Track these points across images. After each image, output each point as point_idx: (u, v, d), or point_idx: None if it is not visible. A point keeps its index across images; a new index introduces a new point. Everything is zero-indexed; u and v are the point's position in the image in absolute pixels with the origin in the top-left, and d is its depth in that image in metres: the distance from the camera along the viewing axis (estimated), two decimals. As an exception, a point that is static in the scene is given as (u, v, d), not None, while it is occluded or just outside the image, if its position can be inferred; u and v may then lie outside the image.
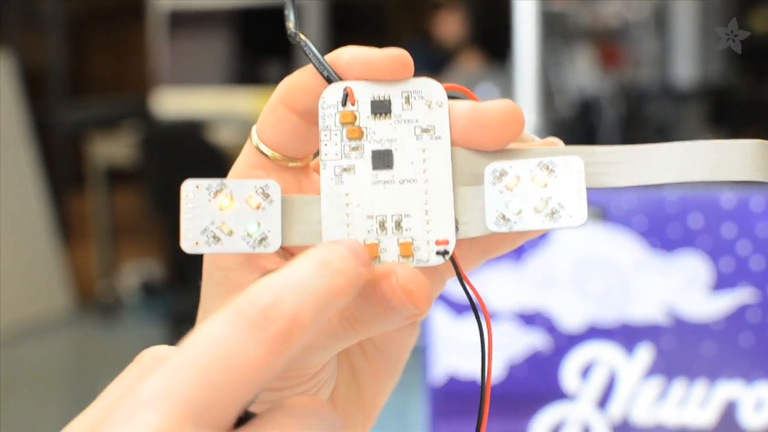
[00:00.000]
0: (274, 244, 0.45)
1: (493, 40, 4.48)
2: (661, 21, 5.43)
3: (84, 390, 4.11)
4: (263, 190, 0.45)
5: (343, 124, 0.45)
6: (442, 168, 0.45)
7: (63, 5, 5.86)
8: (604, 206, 1.19)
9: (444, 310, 1.23)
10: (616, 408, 1.21)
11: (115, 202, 5.23)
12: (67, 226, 5.57)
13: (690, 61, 5.42)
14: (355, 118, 0.45)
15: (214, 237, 0.45)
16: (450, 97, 0.46)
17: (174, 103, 5.13)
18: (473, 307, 0.45)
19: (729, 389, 1.18)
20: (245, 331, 0.36)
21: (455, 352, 1.24)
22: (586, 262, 1.20)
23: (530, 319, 1.21)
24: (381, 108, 0.45)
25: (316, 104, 0.45)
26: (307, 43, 0.46)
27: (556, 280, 1.21)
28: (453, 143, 0.45)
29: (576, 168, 0.43)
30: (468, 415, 1.23)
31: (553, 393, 1.22)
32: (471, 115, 0.45)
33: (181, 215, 0.45)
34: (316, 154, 0.46)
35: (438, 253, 0.44)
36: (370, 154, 0.45)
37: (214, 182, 0.45)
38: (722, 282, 1.18)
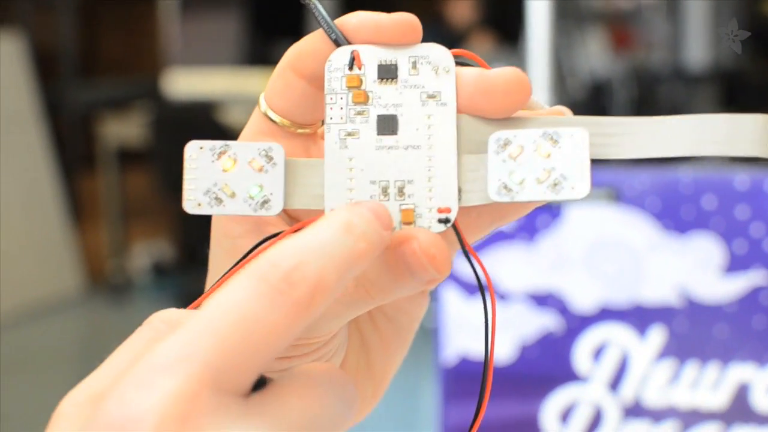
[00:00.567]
0: (276, 207, 0.45)
1: (504, 22, 4.47)
2: (672, 4, 5.41)
3: (94, 370, 4.11)
4: (267, 153, 0.45)
5: (349, 87, 0.45)
6: (446, 135, 0.45)
7: (74, -15, 5.87)
8: (618, 187, 1.19)
9: (455, 291, 1.23)
10: (628, 390, 1.20)
11: (126, 182, 5.23)
12: (78, 207, 5.58)
13: (702, 43, 5.40)
14: (361, 82, 0.45)
15: (217, 198, 0.45)
16: (459, 63, 0.45)
17: (185, 83, 5.13)
18: (476, 274, 0.45)
19: (741, 371, 1.18)
20: (267, 297, 0.36)
21: (467, 332, 1.24)
22: (599, 243, 1.20)
23: (542, 300, 1.21)
24: (387, 72, 0.45)
25: (324, 69, 0.45)
26: (317, 5, 0.45)
27: (569, 261, 1.21)
28: (459, 110, 0.45)
29: (580, 139, 0.43)
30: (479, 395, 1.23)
31: (565, 375, 1.22)
32: (478, 82, 0.44)
33: (183, 176, 0.45)
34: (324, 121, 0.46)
35: (440, 220, 0.44)
36: (375, 118, 0.45)
37: (217, 144, 0.45)
38: (735, 264, 1.17)
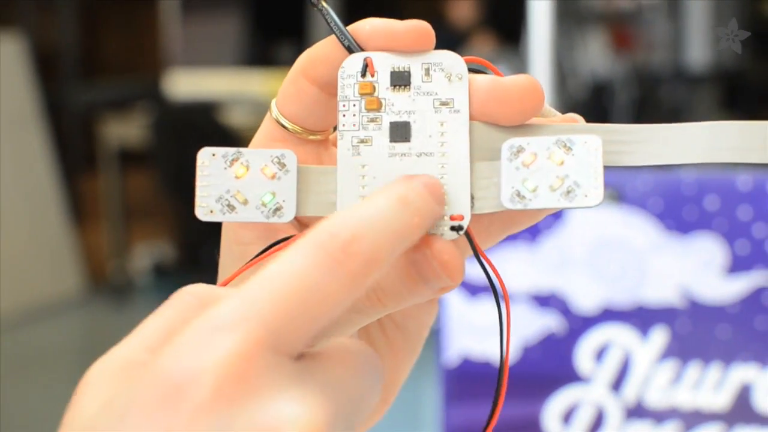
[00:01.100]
0: (289, 214, 0.45)
1: (506, 23, 4.47)
2: (673, 4, 5.41)
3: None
4: (279, 160, 0.45)
5: (362, 94, 0.45)
6: (459, 142, 0.45)
7: (75, -14, 5.87)
8: (620, 188, 1.19)
9: (457, 292, 1.23)
10: (631, 391, 1.20)
11: (127, 183, 5.23)
12: (79, 208, 5.58)
13: (702, 44, 5.40)
14: (374, 89, 0.45)
15: (229, 205, 0.45)
16: (471, 70, 0.45)
17: (186, 84, 5.13)
18: (490, 282, 0.45)
19: (744, 372, 1.18)
20: (325, 265, 0.36)
21: (469, 333, 1.24)
22: (602, 243, 1.20)
23: (545, 300, 1.21)
24: (400, 79, 0.45)
25: (336, 75, 0.45)
26: (329, 11, 0.45)
27: (571, 262, 1.21)
28: (472, 117, 0.45)
29: (594, 147, 0.43)
30: (481, 396, 1.23)
31: (568, 375, 1.22)
32: (491, 89, 0.44)
33: (196, 182, 0.45)
34: (336, 127, 0.46)
35: (452, 228, 0.44)
36: (388, 125, 0.45)
37: (230, 150, 0.45)
38: (738, 264, 1.17)
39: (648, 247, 1.19)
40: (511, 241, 1.21)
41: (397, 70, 0.45)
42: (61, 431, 0.36)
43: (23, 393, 3.83)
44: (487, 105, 0.44)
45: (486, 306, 1.22)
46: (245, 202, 0.45)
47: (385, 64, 0.45)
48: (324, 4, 0.46)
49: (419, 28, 0.45)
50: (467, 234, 0.44)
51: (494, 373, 1.22)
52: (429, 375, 1.30)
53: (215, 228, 0.48)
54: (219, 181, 0.45)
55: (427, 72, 0.45)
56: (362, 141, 0.45)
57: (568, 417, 1.22)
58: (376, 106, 0.45)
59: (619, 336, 1.20)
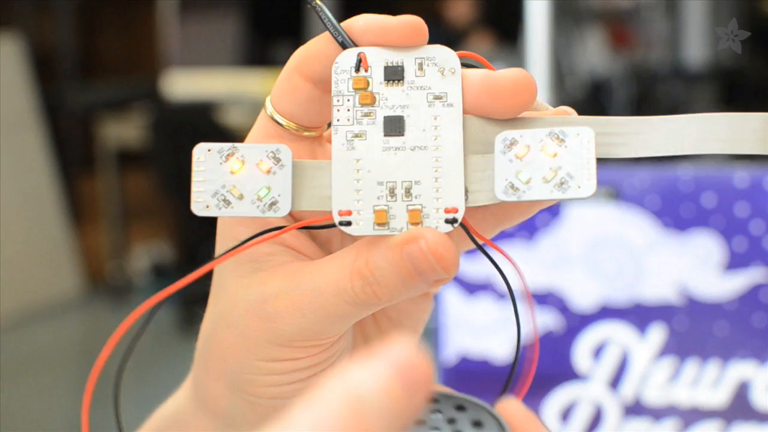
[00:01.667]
0: (284, 208, 0.45)
1: (503, 22, 4.47)
2: (671, 2, 5.41)
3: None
4: (274, 155, 0.45)
5: (355, 89, 0.45)
6: (453, 135, 0.45)
7: (73, -13, 5.87)
8: (617, 185, 1.19)
9: (455, 290, 1.23)
10: (629, 388, 1.20)
11: (126, 184, 5.24)
12: (78, 209, 5.58)
13: (701, 42, 5.40)
14: (368, 84, 0.45)
15: (225, 200, 0.45)
16: (465, 65, 0.45)
17: (184, 84, 5.13)
18: (496, 266, 0.45)
19: (742, 369, 1.18)
20: None
21: (467, 332, 1.24)
22: (599, 241, 1.20)
23: (542, 298, 1.21)
24: (394, 74, 0.45)
25: (330, 72, 0.46)
26: (323, 8, 0.46)
27: (569, 260, 1.21)
28: (465, 111, 0.45)
29: (586, 138, 0.43)
30: (479, 395, 1.23)
31: (566, 373, 1.21)
32: (483, 83, 0.45)
33: (192, 178, 0.45)
34: (330, 124, 0.46)
35: (447, 221, 0.44)
36: (382, 120, 0.45)
37: (225, 146, 0.45)
38: (735, 261, 1.17)
39: (645, 244, 1.19)
40: (509, 239, 1.21)
41: (390, 64, 0.45)
42: None
43: (23, 394, 3.83)
44: (480, 99, 0.45)
45: (484, 305, 1.22)
46: (241, 197, 0.45)
47: (378, 59, 0.45)
48: (318, 1, 0.46)
49: (412, 23, 0.45)
50: (464, 226, 0.44)
51: (492, 372, 1.22)
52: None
53: (214, 228, 0.48)
54: (215, 177, 0.45)
55: (421, 66, 0.45)
56: (356, 135, 0.45)
57: (566, 415, 1.22)
58: (370, 100, 0.45)
59: (616, 333, 1.20)
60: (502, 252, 0.45)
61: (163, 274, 5.25)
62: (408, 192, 0.45)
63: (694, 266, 1.18)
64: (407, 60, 0.45)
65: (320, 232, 0.49)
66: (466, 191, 0.45)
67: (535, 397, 1.22)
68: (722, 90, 5.05)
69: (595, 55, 4.82)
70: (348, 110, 0.45)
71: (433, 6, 5.07)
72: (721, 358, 1.18)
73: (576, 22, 4.76)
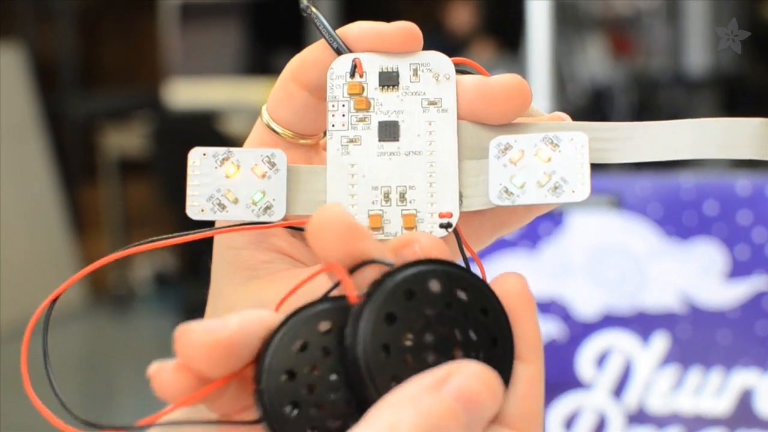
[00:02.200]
0: (279, 213, 0.45)
1: (505, 29, 4.47)
2: (672, 9, 5.42)
3: (97, 381, 4.11)
4: (269, 159, 0.46)
5: (350, 95, 0.46)
6: (447, 141, 0.45)
7: (74, -4, 5.87)
8: (619, 193, 1.19)
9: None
10: (632, 397, 1.20)
11: (128, 193, 5.23)
12: (80, 218, 5.57)
13: (702, 49, 5.40)
14: (363, 89, 0.46)
15: (220, 204, 0.45)
16: (459, 71, 0.46)
17: (186, 93, 5.13)
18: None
19: (745, 377, 1.18)
20: None
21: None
22: (601, 250, 1.20)
23: (545, 307, 1.21)
24: (389, 80, 0.46)
25: (326, 79, 0.46)
26: (318, 15, 0.46)
27: (571, 268, 1.21)
28: (460, 116, 0.45)
29: (580, 143, 0.43)
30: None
31: (569, 382, 1.21)
32: (478, 89, 0.45)
33: (187, 182, 0.45)
34: (326, 132, 0.47)
35: (441, 225, 0.45)
36: (377, 125, 0.45)
37: (220, 150, 0.46)
38: (738, 269, 1.17)
39: (648, 252, 1.19)
40: (511, 248, 1.21)
41: (385, 70, 0.46)
42: None
43: (24, 404, 3.83)
44: (475, 104, 0.45)
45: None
46: (236, 201, 0.45)
47: (373, 64, 0.46)
48: (313, 9, 0.47)
49: (407, 29, 0.45)
50: (455, 231, 0.45)
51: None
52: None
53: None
54: (210, 180, 0.45)
55: (416, 72, 0.46)
56: (351, 140, 0.45)
57: (569, 423, 1.22)
58: (364, 106, 0.46)
59: (619, 342, 1.20)
60: (480, 267, 0.45)
61: (165, 283, 5.25)
62: (402, 197, 0.45)
63: (697, 274, 1.18)
64: (402, 66, 0.46)
65: None
66: (461, 196, 0.45)
67: (538, 405, 1.22)
68: (723, 97, 5.05)
69: (596, 62, 4.82)
70: (343, 115, 0.46)
71: (435, 14, 5.07)
72: (724, 366, 1.18)
73: (577, 29, 4.76)
